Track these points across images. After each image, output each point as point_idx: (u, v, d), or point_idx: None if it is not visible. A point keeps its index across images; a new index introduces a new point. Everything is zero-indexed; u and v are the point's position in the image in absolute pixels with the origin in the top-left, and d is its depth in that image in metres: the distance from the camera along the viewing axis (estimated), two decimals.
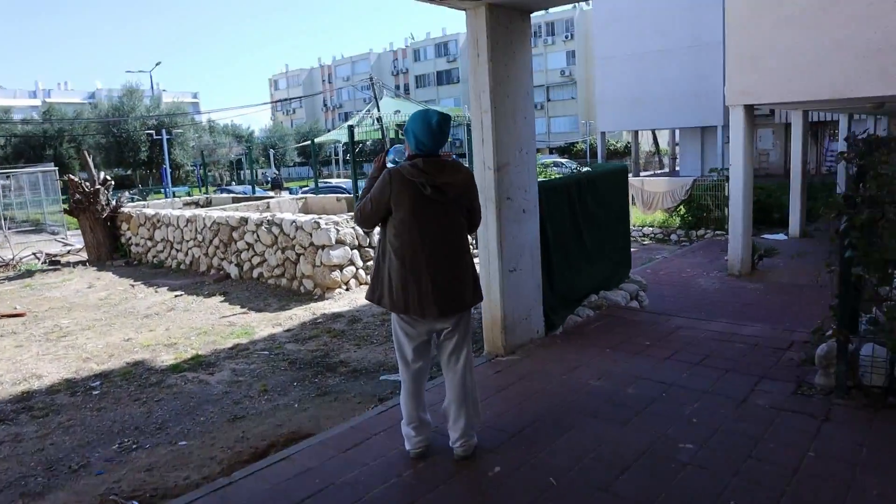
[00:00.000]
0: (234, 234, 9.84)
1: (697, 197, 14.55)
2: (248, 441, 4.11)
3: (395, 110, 20.11)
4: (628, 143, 38.62)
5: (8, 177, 23.39)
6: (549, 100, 55.85)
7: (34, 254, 13.62)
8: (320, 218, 8.58)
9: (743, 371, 4.22)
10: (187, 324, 7.42)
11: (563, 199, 5.65)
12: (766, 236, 12.34)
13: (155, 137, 38.94)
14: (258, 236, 9.33)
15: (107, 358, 6.26)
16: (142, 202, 17.63)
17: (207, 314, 7.84)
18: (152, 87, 45.75)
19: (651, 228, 15.41)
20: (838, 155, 4.20)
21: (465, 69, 55.95)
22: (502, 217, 4.65)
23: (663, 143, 38.83)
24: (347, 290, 8.43)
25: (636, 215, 14.96)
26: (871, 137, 3.77)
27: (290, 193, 21.37)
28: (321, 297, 8.18)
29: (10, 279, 11.44)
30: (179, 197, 20.92)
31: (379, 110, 19.24)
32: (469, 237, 3.22)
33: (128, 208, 13.22)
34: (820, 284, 3.95)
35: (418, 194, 2.94)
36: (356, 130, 13.73)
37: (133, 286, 10.03)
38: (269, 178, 38.02)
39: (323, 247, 8.27)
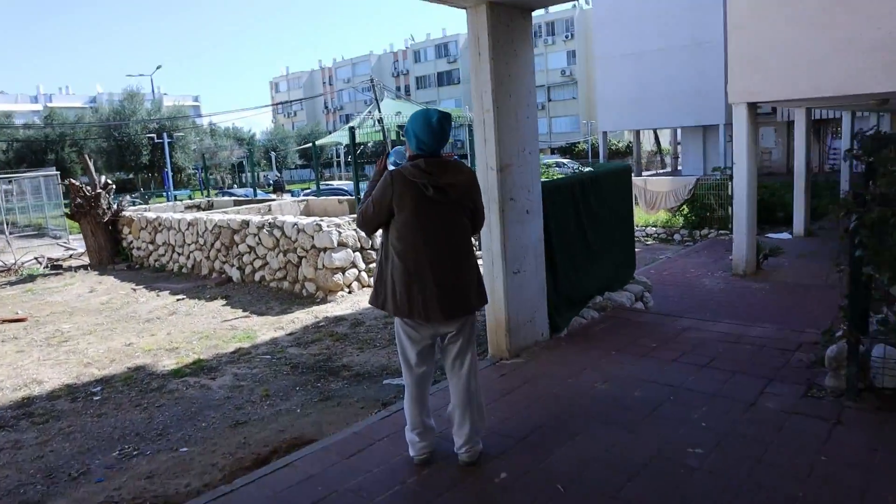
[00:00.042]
0: (236, 238, 9.80)
1: (700, 196, 14.48)
2: (249, 447, 4.06)
3: (397, 112, 20.06)
4: (630, 142, 38.54)
5: (10, 181, 23.40)
6: (550, 100, 55.76)
7: (36, 258, 13.60)
8: (322, 220, 8.53)
9: (751, 373, 4.16)
10: (189, 328, 7.38)
11: (567, 199, 5.59)
12: (770, 235, 12.27)
13: (156, 141, 39.00)
14: (260, 239, 9.29)
15: (108, 363, 6.21)
16: (143, 206, 17.60)
17: (209, 318, 7.80)
18: (153, 91, 45.80)
19: (654, 228, 15.33)
20: (846, 152, 4.14)
21: (466, 70, 55.88)
22: (505, 218, 4.60)
23: (665, 143, 38.74)
24: (350, 292, 8.38)
25: (639, 215, 14.88)
26: (878, 134, 3.72)
27: (292, 196, 21.33)
28: (323, 300, 8.13)
29: (11, 284, 11.41)
30: (181, 200, 20.91)
31: (380, 112, 19.18)
32: (472, 239, 3.17)
33: (129, 212, 13.20)
34: (829, 284, 3.88)
35: (420, 195, 2.89)
36: (357, 132, 13.70)
37: (135, 290, 9.99)
38: (271, 181, 37.98)
39: (325, 249, 8.22)
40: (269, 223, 9.14)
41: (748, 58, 8.64)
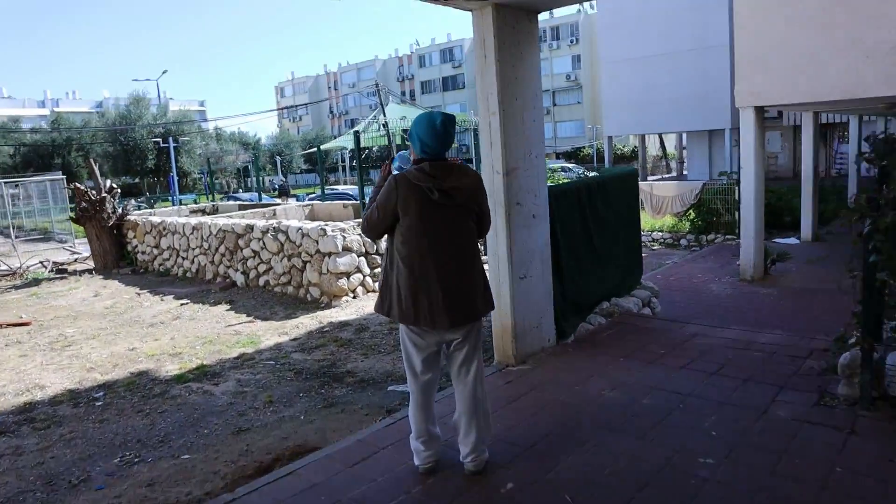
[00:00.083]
0: (240, 242, 9.77)
1: (707, 201, 14.38)
2: (252, 455, 4.01)
3: (401, 116, 20.04)
4: (635, 147, 38.43)
5: (17, 185, 23.49)
6: (555, 104, 55.74)
7: (41, 262, 13.61)
8: (326, 225, 8.49)
9: (762, 380, 4.09)
10: (193, 333, 7.34)
11: (573, 203, 5.54)
12: (777, 240, 12.16)
13: (162, 145, 39.12)
14: (264, 244, 9.26)
15: (111, 368, 6.18)
16: (148, 210, 17.62)
17: (213, 323, 7.76)
18: (159, 96, 45.94)
19: (660, 233, 15.24)
20: (858, 155, 4.07)
21: (471, 75, 56.01)
22: (512, 222, 4.55)
23: (670, 147, 38.66)
24: (354, 297, 8.33)
25: (645, 220, 14.78)
26: (891, 137, 3.64)
27: (297, 200, 21.35)
28: (328, 305, 8.09)
29: (16, 288, 11.41)
30: (186, 204, 20.93)
31: (385, 116, 19.17)
32: (478, 243, 3.12)
33: (134, 216, 13.20)
34: (842, 290, 3.80)
35: (425, 199, 2.84)
36: (362, 137, 13.67)
37: (139, 294, 9.98)
38: (276, 185, 38.05)
39: (329, 254, 8.18)
40: (274, 227, 9.11)
41: (755, 60, 8.57)
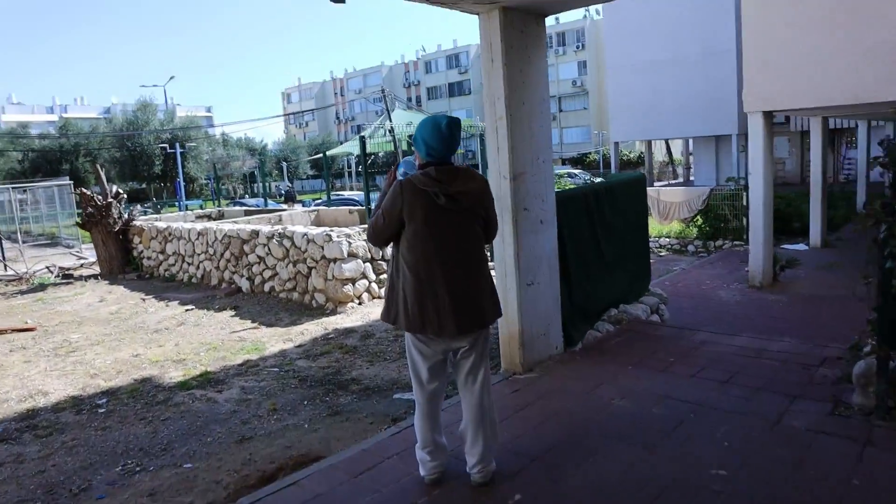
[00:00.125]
0: (246, 248, 9.74)
1: (714, 207, 14.27)
2: (255, 464, 3.95)
3: (408, 122, 20.01)
4: (641, 152, 38.37)
5: (25, 191, 23.60)
6: (561, 110, 55.71)
7: (47, 267, 13.64)
8: (332, 230, 8.45)
9: (774, 390, 4.00)
10: (197, 339, 7.30)
11: (581, 209, 5.47)
12: (786, 246, 12.05)
13: (169, 151, 39.28)
14: (269, 249, 9.22)
15: (114, 374, 6.14)
16: (154, 215, 17.65)
17: (218, 329, 7.72)
18: (166, 102, 46.22)
19: (668, 239, 15.13)
20: (872, 160, 3.99)
21: (477, 80, 56.03)
22: (519, 228, 4.48)
23: (677, 153, 38.52)
24: (360, 304, 8.28)
25: (652, 226, 14.68)
26: None
27: (303, 206, 21.34)
28: (333, 312, 8.03)
29: (22, 293, 11.42)
30: (192, 210, 20.96)
31: (391, 122, 19.15)
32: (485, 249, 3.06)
33: (140, 221, 13.21)
34: (856, 297, 3.72)
35: (431, 204, 2.79)
36: (368, 142, 13.64)
37: (144, 300, 9.95)
38: (283, 191, 38.14)
39: (335, 260, 8.13)
40: (279, 233, 9.08)
41: (763, 65, 8.50)
